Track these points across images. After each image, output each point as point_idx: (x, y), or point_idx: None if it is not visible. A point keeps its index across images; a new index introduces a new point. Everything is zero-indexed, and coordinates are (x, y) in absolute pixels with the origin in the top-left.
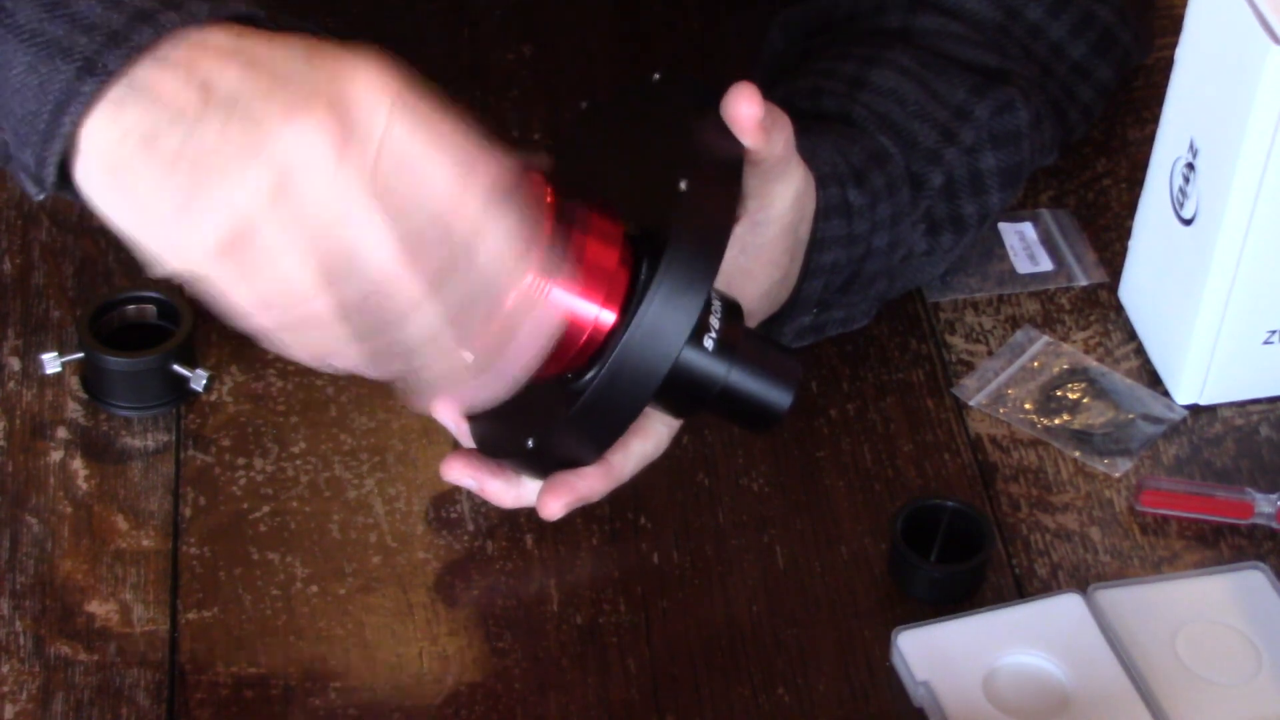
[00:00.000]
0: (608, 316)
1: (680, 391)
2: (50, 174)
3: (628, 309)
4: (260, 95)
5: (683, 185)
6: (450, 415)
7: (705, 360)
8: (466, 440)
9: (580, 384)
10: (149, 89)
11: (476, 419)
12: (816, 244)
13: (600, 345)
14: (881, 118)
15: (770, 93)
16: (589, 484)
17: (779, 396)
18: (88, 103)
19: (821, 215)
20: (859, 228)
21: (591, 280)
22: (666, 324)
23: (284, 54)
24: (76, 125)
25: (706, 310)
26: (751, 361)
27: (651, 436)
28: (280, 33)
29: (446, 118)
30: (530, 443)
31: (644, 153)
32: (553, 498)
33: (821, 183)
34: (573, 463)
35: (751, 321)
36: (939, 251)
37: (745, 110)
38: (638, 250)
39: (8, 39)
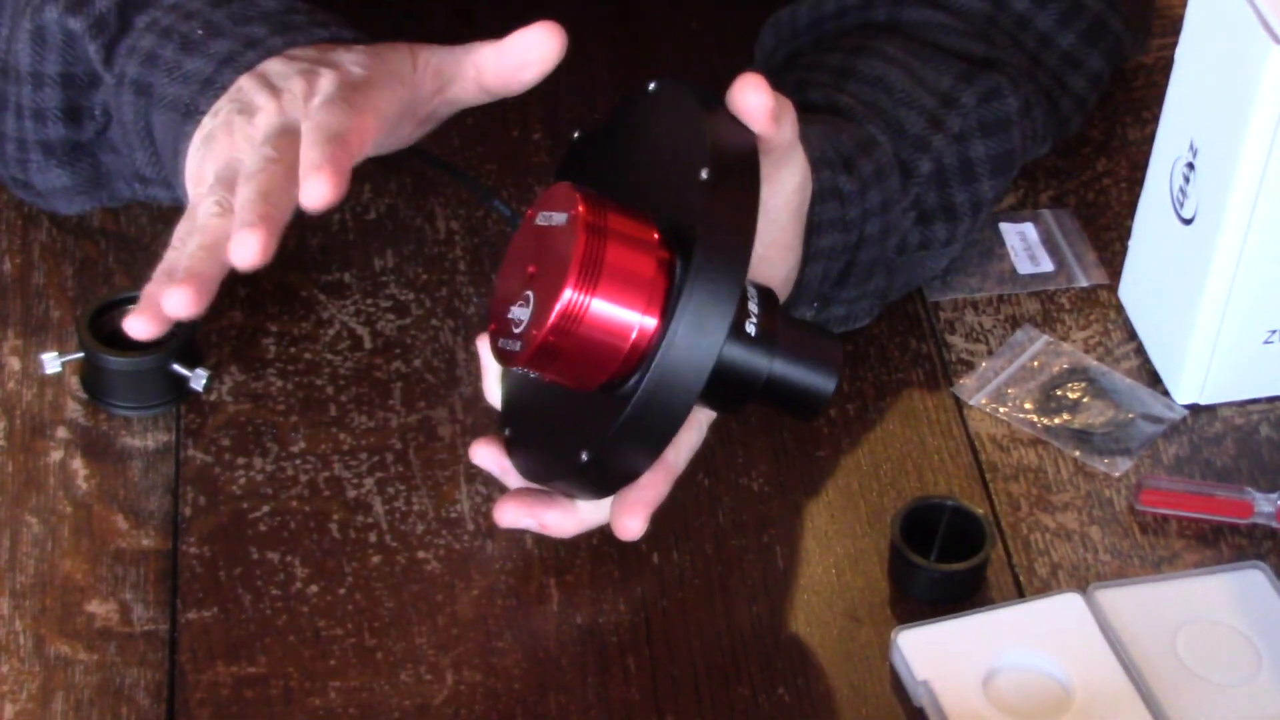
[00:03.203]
0: (649, 322)
1: (727, 386)
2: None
3: (668, 311)
4: (250, 96)
5: (703, 174)
6: (492, 458)
7: (748, 352)
8: (513, 481)
9: (626, 389)
10: (214, 106)
11: (519, 451)
12: (814, 228)
13: (644, 350)
14: (869, 106)
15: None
16: (656, 491)
17: (824, 381)
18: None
19: (817, 199)
20: (851, 213)
21: (630, 288)
22: (706, 320)
23: (292, 66)
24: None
25: (744, 301)
26: (794, 348)
27: (695, 427)
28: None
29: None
30: (584, 456)
31: (658, 158)
32: (629, 517)
33: (814, 167)
34: (629, 472)
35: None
36: (935, 245)
37: (755, 100)
38: (672, 249)
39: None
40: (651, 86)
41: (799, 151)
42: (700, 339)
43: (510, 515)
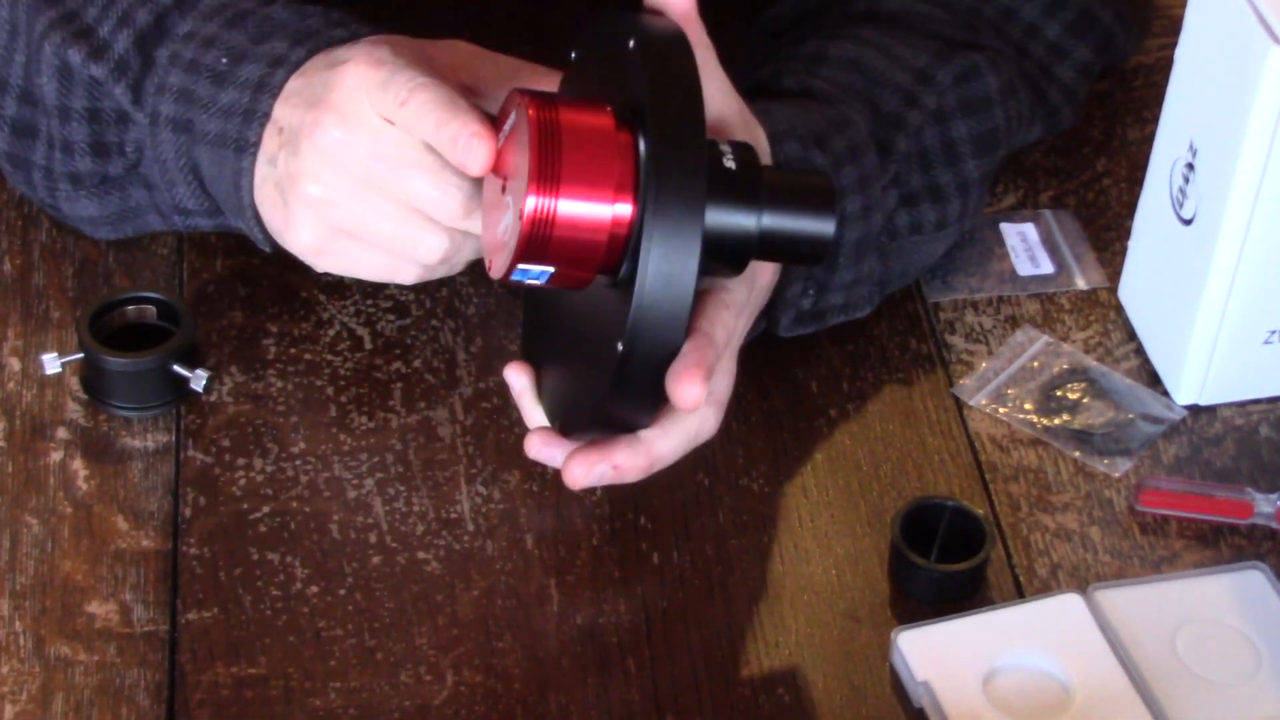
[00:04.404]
0: (624, 209)
1: (724, 246)
2: (258, 233)
3: (639, 186)
4: (297, 123)
5: (630, 44)
6: (519, 379)
7: (733, 209)
8: (528, 404)
9: (624, 275)
10: (261, 146)
11: (574, 433)
12: None
13: (626, 235)
14: (842, 88)
15: (739, 87)
16: (703, 354)
17: (821, 223)
18: (250, 173)
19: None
20: None
21: (594, 178)
22: (682, 182)
23: (313, 78)
24: (250, 193)
25: (715, 154)
26: (781, 192)
27: (733, 309)
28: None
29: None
30: (619, 346)
31: (596, 76)
32: (686, 383)
33: (776, 139)
34: (665, 349)
35: (752, 310)
36: (927, 228)
37: None
38: (631, 127)
39: (196, 144)
40: (573, 55)
41: (716, 67)
42: (683, 202)
43: (579, 470)
